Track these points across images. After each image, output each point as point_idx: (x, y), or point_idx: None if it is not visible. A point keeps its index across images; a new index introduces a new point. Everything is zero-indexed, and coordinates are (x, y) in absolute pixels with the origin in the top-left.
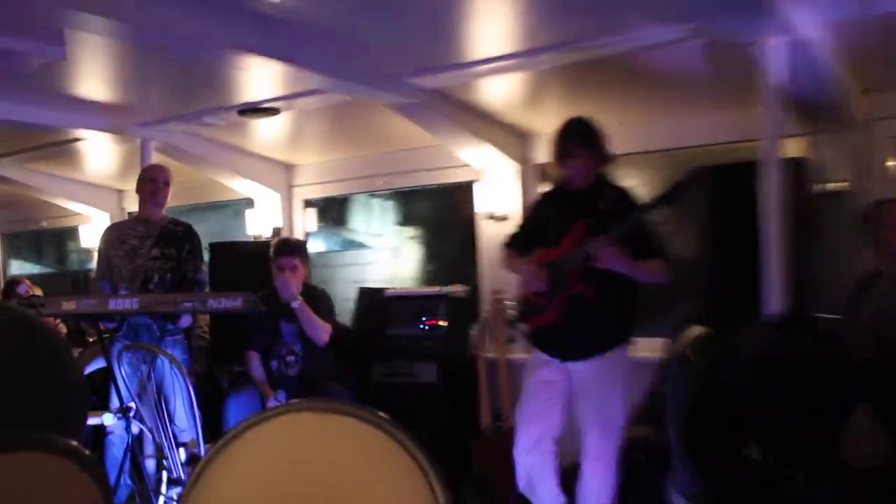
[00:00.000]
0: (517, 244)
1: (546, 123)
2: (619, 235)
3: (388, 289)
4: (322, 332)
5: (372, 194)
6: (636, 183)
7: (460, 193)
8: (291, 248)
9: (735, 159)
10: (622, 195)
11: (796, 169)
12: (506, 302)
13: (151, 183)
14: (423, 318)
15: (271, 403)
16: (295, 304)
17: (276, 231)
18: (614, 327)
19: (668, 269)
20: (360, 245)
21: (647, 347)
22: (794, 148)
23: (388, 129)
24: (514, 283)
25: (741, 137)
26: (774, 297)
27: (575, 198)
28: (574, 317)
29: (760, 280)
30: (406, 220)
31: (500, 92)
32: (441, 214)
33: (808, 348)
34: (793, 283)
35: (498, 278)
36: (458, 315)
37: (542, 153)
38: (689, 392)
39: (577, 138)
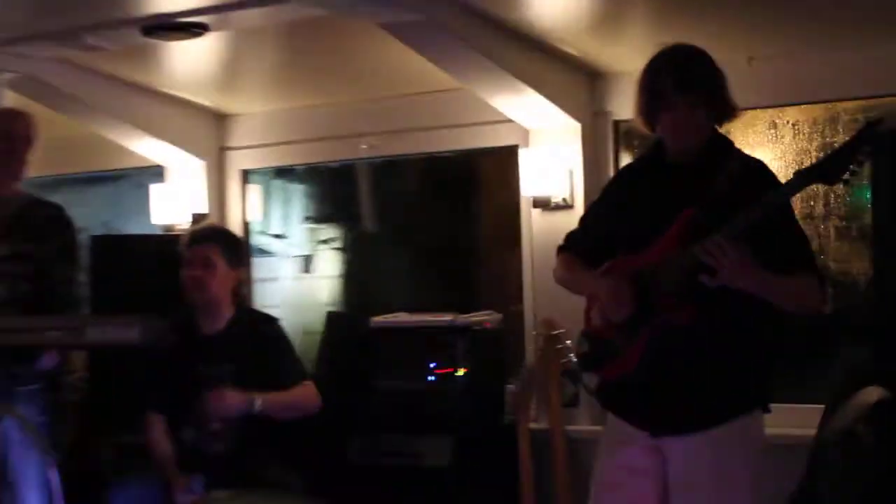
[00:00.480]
0: (581, 247)
1: (629, 58)
2: (746, 232)
3: (373, 316)
4: (310, 403)
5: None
6: (775, 154)
7: (492, 164)
8: (206, 235)
9: None
10: (752, 169)
11: None
12: (565, 340)
13: (1, 139)
14: (431, 365)
15: (182, 499)
16: (256, 407)
17: (198, 218)
18: (735, 382)
19: (824, 292)
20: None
21: (787, 420)
22: None
23: (379, 63)
24: (578, 310)
25: None
26: None
27: (676, 173)
28: (670, 362)
29: None
30: (391, 207)
31: (557, 8)
32: (455, 197)
33: None
34: None
35: (552, 302)
36: (487, 360)
37: (625, 104)
38: (864, 489)
39: (678, 79)
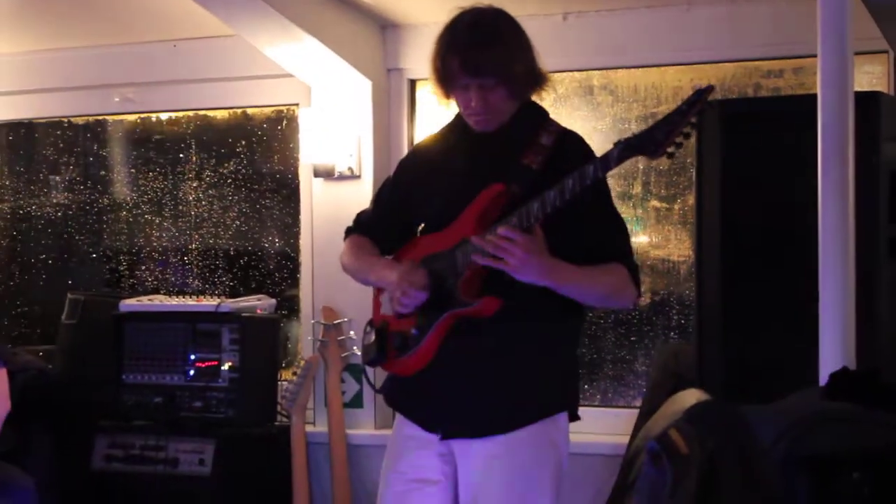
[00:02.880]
0: (374, 229)
1: (428, 6)
2: (549, 217)
3: (123, 298)
4: None
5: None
6: (591, 124)
7: (269, 125)
8: None
9: (769, 91)
10: (568, 141)
11: (870, 111)
12: (348, 331)
13: None
14: (192, 357)
15: None
16: None
17: None
18: (539, 379)
19: (636, 286)
20: None
21: (599, 426)
22: (868, 76)
23: (139, 2)
24: (364, 296)
25: (781, 52)
26: (833, 340)
27: (483, 144)
28: (466, 357)
29: (806, 305)
30: (147, 171)
31: None
32: (224, 162)
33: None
34: (867, 314)
35: (334, 286)
36: (258, 352)
37: (422, 60)
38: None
39: (465, 61)
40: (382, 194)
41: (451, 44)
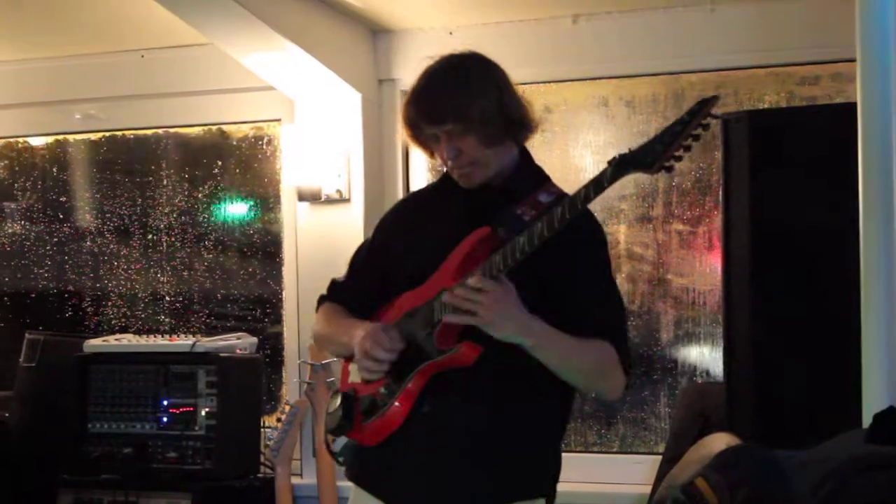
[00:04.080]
0: (350, 296)
1: (422, 11)
2: (533, 248)
3: (87, 338)
4: None
5: None
6: (606, 138)
7: (247, 143)
8: None
9: (804, 101)
10: (557, 194)
11: None
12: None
13: None
14: (164, 402)
15: None
16: None
17: None
18: (523, 450)
19: (625, 373)
20: None
21: (618, 474)
22: None
23: (100, 8)
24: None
25: (817, 57)
26: (878, 377)
27: (473, 199)
28: (439, 422)
29: (848, 338)
30: (113, 196)
31: None
32: (198, 186)
33: None
34: None
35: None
36: (238, 396)
37: (417, 70)
38: None
39: (425, 111)
40: (359, 258)
41: (411, 93)
